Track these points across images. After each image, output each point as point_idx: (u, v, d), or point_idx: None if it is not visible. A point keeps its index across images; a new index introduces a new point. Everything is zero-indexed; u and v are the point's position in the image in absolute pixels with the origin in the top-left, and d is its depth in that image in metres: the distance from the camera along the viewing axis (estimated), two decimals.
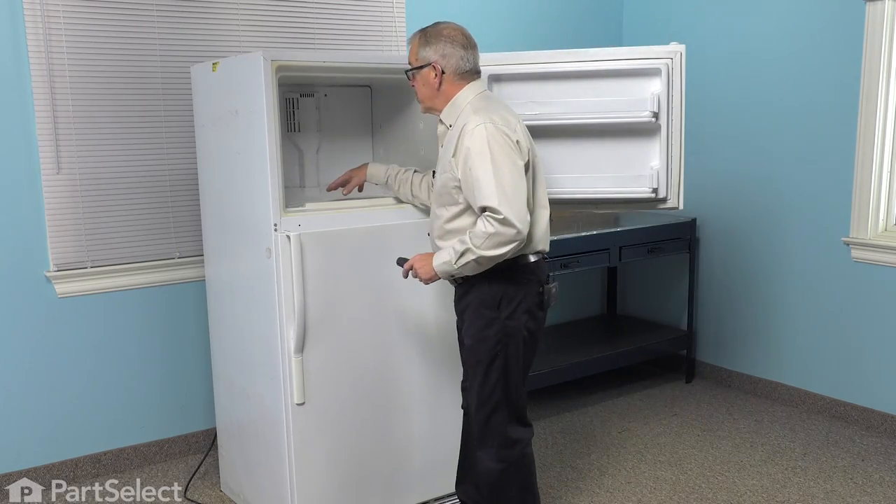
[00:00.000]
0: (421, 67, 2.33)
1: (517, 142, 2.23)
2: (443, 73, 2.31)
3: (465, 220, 2.29)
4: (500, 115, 2.25)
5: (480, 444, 2.43)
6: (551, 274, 2.53)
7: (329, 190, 2.88)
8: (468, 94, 2.33)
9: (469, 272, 2.27)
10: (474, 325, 2.35)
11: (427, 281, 2.35)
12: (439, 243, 2.38)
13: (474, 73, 2.36)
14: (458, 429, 2.72)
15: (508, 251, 2.19)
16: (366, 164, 2.83)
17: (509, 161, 2.18)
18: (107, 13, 3.06)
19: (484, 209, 2.18)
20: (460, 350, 2.51)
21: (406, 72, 2.40)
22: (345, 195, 2.85)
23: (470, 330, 2.37)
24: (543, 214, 2.38)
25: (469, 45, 2.33)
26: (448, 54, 2.30)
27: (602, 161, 2.95)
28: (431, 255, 2.33)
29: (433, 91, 2.34)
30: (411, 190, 2.70)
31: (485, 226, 2.17)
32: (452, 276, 2.31)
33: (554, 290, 2.43)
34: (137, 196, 3.22)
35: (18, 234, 3.02)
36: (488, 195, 2.15)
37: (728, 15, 4.04)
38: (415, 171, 2.73)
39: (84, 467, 3.24)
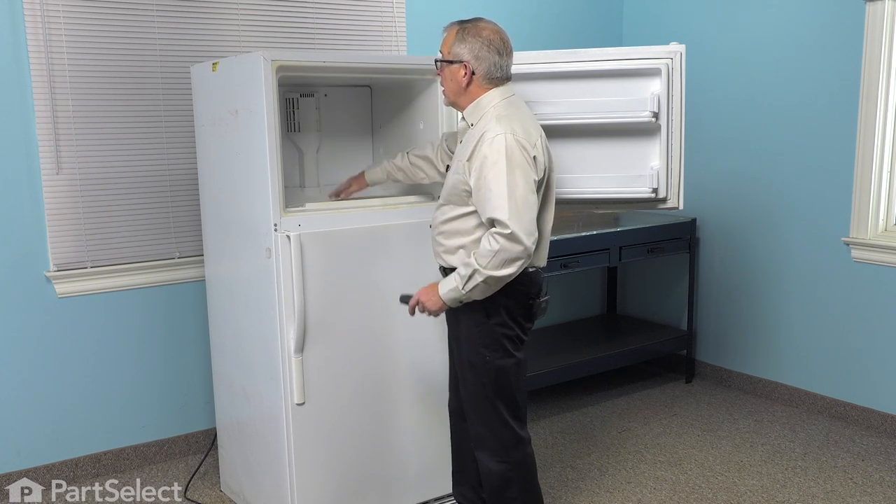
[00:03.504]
0: (451, 62, 2.28)
1: (534, 157, 2.20)
2: (472, 73, 2.27)
3: (467, 224, 2.28)
4: (522, 126, 2.21)
5: (479, 445, 2.42)
6: (547, 275, 2.50)
7: (331, 196, 2.87)
8: (494, 97, 2.28)
9: (478, 296, 2.22)
10: (464, 329, 2.35)
11: (436, 313, 2.30)
12: (439, 239, 2.37)
13: (504, 79, 2.32)
14: None
15: (516, 270, 2.16)
16: (362, 173, 2.81)
17: (524, 175, 2.15)
18: (107, 13, 3.06)
19: (492, 221, 2.16)
20: (449, 352, 2.51)
21: (436, 61, 2.35)
22: (342, 199, 2.85)
23: (460, 334, 2.37)
24: (546, 231, 2.36)
25: (505, 51, 2.29)
26: (482, 58, 2.25)
27: (602, 161, 2.95)
28: (435, 285, 2.28)
29: (459, 88, 2.29)
30: (429, 171, 2.68)
31: (490, 244, 2.13)
32: (461, 302, 2.25)
33: (544, 304, 2.39)
34: (137, 196, 3.21)
35: (18, 234, 3.02)
36: (499, 207, 2.13)
37: (728, 15, 4.04)
38: (412, 154, 2.71)
39: (84, 467, 3.24)
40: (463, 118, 2.35)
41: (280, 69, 2.42)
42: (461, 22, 2.30)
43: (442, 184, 2.70)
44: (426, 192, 2.88)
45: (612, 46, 3.66)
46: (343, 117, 3.07)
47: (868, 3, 3.46)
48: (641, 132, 2.91)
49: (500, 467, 2.38)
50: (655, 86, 2.86)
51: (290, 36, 3.44)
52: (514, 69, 2.87)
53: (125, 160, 3.17)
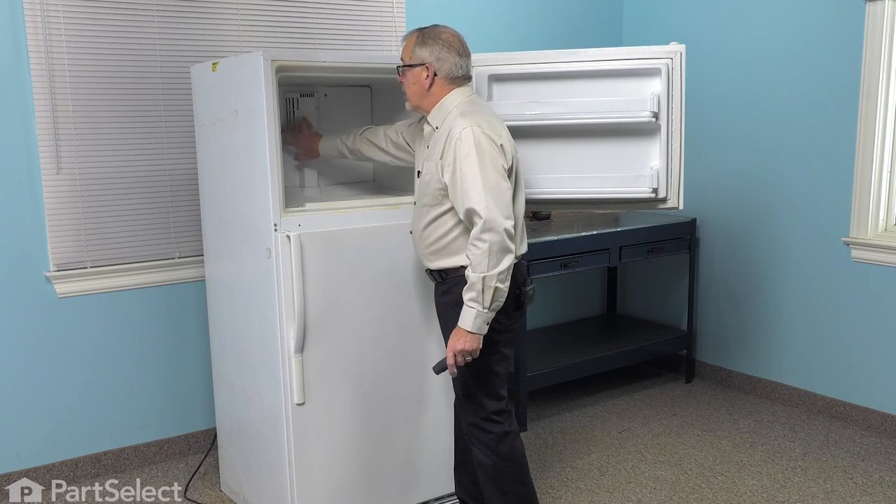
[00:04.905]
0: (414, 66, 2.37)
1: (501, 146, 2.28)
2: (435, 75, 2.35)
3: (446, 224, 2.34)
4: (486, 119, 2.30)
5: (470, 439, 2.49)
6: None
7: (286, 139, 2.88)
8: (456, 97, 2.37)
9: (502, 299, 2.24)
10: (453, 322, 2.37)
11: (477, 350, 2.27)
12: (422, 243, 2.42)
13: (465, 79, 2.40)
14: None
15: (511, 257, 2.22)
16: (319, 136, 2.88)
17: (493, 164, 2.24)
18: (107, 13, 3.06)
19: (470, 213, 2.22)
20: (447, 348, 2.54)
21: (398, 67, 2.43)
22: (298, 162, 2.95)
23: (449, 327, 2.40)
24: (519, 219, 2.42)
25: (464, 52, 2.38)
26: (443, 58, 2.34)
27: (602, 161, 2.96)
28: (458, 329, 2.26)
29: (422, 91, 2.38)
30: (380, 156, 2.77)
31: (478, 248, 2.19)
32: (487, 323, 2.25)
33: (531, 291, 2.45)
34: (137, 196, 3.21)
35: (18, 234, 3.02)
36: (475, 198, 2.20)
37: (728, 15, 4.04)
38: (364, 137, 2.78)
39: (84, 467, 3.24)
40: (427, 122, 2.42)
41: (280, 69, 2.42)
42: (420, 29, 2.40)
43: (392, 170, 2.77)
44: None
45: (612, 46, 3.67)
46: (343, 117, 3.07)
47: (868, 3, 3.46)
48: (641, 132, 2.91)
49: (491, 460, 2.44)
50: (655, 86, 2.86)
51: (290, 36, 3.44)
52: (515, 69, 2.91)
53: (125, 160, 3.17)
